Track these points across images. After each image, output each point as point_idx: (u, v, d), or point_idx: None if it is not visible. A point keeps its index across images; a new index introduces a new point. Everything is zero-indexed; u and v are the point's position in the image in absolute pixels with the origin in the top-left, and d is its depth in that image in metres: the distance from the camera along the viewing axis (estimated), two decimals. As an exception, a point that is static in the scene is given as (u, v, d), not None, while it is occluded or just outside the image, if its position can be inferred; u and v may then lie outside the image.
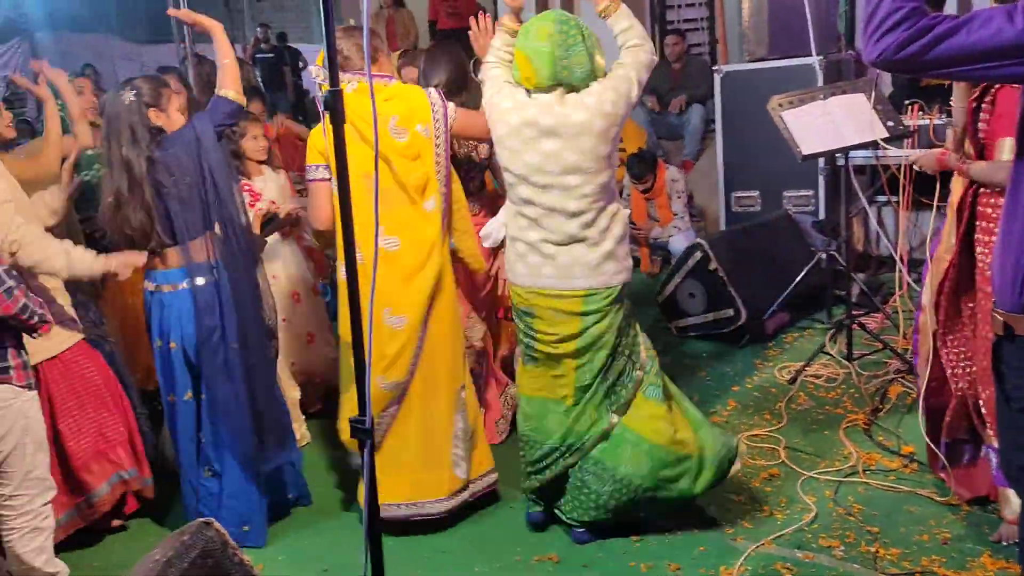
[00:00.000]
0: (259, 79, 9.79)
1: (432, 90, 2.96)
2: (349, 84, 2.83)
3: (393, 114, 2.83)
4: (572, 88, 2.59)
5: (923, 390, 2.83)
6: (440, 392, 2.96)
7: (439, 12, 8.35)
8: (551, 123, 2.55)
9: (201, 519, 1.87)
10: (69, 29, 12.05)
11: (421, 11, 8.75)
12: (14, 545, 2.50)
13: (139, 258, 2.79)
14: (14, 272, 2.41)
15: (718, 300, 4.52)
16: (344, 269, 1.92)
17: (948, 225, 2.77)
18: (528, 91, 2.62)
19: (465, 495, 3.03)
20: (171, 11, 3.06)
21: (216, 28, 2.90)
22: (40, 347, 2.77)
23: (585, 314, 2.67)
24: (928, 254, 2.89)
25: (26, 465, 2.48)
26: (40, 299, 2.45)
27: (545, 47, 2.54)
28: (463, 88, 3.14)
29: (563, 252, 2.63)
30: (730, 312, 4.48)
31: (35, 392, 2.53)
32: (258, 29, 11.54)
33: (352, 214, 1.88)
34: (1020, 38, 1.48)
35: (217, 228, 2.83)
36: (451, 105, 2.94)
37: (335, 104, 1.73)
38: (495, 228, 2.67)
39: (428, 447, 2.96)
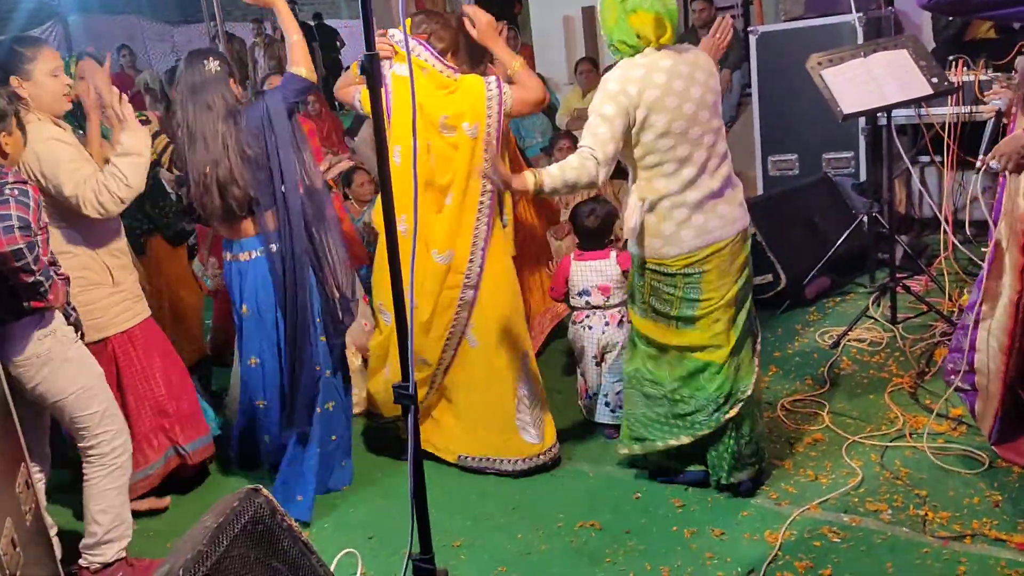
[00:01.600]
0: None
1: (492, 80, 2.93)
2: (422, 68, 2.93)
3: (444, 112, 2.89)
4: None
5: (1008, 365, 2.73)
6: (502, 356, 3.07)
7: None
8: (688, 70, 2.61)
9: (250, 486, 1.89)
10: (101, 11, 12.23)
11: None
12: (99, 484, 2.58)
13: None
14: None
15: (757, 265, 4.42)
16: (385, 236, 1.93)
17: (1015, 183, 2.62)
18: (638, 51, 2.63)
19: (537, 461, 3.14)
20: None
21: (280, 4, 2.91)
22: (111, 322, 2.84)
23: (745, 255, 2.76)
24: (991, 217, 2.77)
25: (95, 404, 2.52)
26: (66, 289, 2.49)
27: (672, 4, 2.61)
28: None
29: (721, 202, 2.68)
30: (769, 277, 4.41)
31: (68, 329, 2.49)
32: (287, 7, 11.59)
33: (391, 186, 1.88)
34: None
35: (279, 200, 2.87)
36: (505, 89, 2.92)
37: (372, 68, 1.71)
38: (636, 213, 2.67)
39: (494, 409, 3.11)
